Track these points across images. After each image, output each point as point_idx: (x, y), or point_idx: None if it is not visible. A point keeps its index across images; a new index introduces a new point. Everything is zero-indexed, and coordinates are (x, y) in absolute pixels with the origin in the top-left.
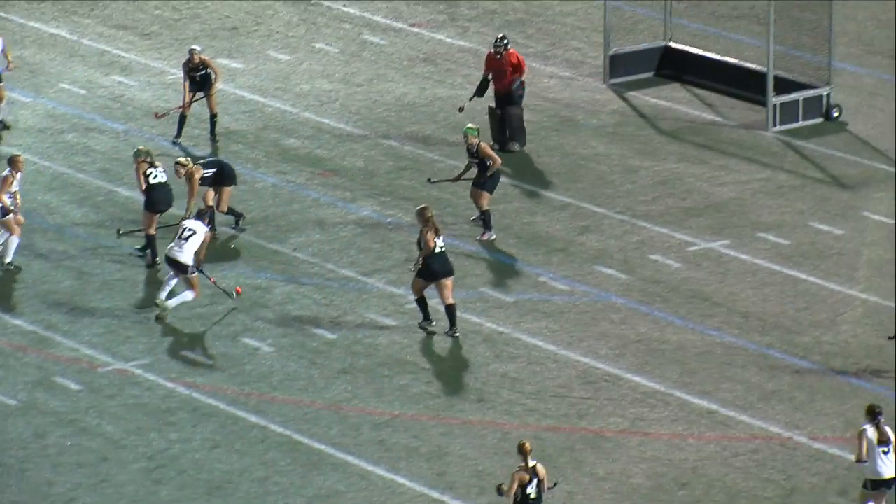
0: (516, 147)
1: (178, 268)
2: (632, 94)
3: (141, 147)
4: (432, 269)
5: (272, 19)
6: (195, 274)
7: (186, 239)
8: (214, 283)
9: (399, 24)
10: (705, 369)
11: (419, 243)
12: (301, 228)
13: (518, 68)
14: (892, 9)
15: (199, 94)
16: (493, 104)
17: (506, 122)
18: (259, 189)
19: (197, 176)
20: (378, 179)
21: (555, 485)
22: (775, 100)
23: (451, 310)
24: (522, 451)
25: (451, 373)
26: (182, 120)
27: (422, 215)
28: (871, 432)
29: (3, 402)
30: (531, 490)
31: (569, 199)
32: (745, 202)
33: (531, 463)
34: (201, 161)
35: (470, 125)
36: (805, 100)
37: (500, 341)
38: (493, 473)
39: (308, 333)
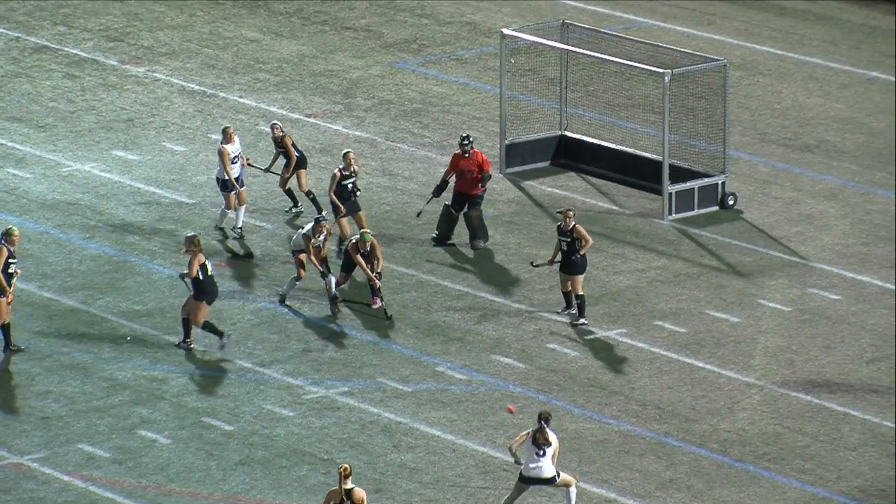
0: (480, 245)
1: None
2: (528, 184)
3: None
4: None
5: (168, 111)
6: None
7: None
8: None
9: (295, 115)
10: (603, 458)
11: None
12: None
13: (483, 166)
14: (785, 98)
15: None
16: (448, 202)
17: (467, 224)
18: (155, 280)
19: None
20: (275, 270)
21: None
22: (671, 188)
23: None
24: (339, 474)
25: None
26: (290, 194)
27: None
28: (534, 434)
29: None
30: None
31: (466, 289)
32: (641, 290)
33: (348, 486)
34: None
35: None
36: (700, 188)
37: (399, 431)
38: None
39: (205, 425)
